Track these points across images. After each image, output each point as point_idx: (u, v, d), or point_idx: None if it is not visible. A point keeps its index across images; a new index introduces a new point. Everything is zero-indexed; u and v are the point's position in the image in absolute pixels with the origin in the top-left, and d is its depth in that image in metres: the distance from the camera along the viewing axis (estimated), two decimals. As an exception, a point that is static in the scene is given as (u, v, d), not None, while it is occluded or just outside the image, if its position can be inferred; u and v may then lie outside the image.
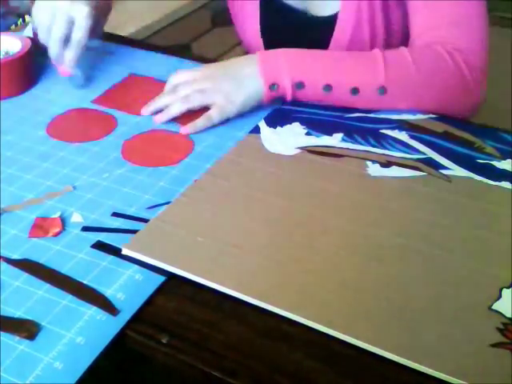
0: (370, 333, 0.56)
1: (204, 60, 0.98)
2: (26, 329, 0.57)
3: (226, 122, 0.85)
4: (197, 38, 2.46)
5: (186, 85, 0.85)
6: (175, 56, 1.01)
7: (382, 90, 0.81)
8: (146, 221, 0.68)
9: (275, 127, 0.83)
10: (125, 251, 0.64)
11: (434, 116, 0.85)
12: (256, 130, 0.82)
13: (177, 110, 0.84)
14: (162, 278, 0.62)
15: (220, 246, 0.65)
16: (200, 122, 0.83)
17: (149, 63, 1.00)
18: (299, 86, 0.83)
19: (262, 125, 0.83)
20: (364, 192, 0.72)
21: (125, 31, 1.90)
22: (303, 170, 0.76)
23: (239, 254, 0.64)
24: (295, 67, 0.83)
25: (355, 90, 0.82)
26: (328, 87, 0.82)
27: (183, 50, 2.19)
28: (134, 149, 0.81)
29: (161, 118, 0.84)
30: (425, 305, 0.59)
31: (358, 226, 0.67)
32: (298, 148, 0.79)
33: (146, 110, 0.86)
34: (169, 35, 2.40)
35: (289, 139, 0.81)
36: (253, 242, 0.65)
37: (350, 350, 0.56)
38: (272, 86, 0.82)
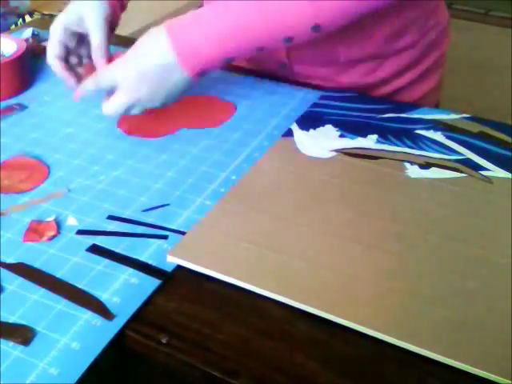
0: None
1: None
2: (21, 334, 0.56)
3: (220, 124, 0.85)
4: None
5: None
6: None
7: (316, 27, 0.74)
8: (141, 223, 0.68)
9: (308, 130, 0.82)
10: (169, 258, 0.63)
11: (467, 116, 0.85)
12: (289, 134, 0.82)
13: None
14: (157, 282, 0.61)
15: (266, 251, 0.64)
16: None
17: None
18: (229, 61, 0.76)
19: (295, 128, 0.83)
20: (405, 194, 0.72)
21: (125, 31, 1.90)
22: (341, 172, 0.75)
23: (286, 260, 0.63)
24: (219, 46, 0.74)
25: (288, 40, 0.75)
26: (260, 49, 0.76)
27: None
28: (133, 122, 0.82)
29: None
30: (468, 311, 0.58)
31: (400, 227, 0.67)
32: (334, 150, 0.79)
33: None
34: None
35: (323, 142, 0.80)
36: (297, 247, 0.64)
37: (350, 350, 0.56)
38: (200, 74, 0.76)
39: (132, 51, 0.76)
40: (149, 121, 0.85)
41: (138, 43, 0.76)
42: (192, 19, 0.75)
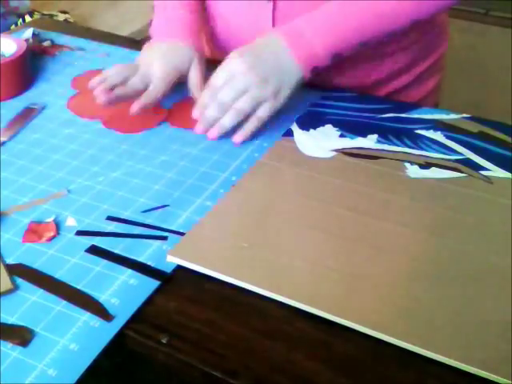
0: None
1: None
2: (20, 335, 0.56)
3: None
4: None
5: (226, 87, 0.78)
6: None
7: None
8: (141, 224, 0.68)
9: (308, 130, 0.82)
10: (169, 258, 0.63)
11: (467, 116, 0.85)
12: (289, 133, 0.82)
13: (230, 122, 0.79)
14: (156, 283, 0.61)
15: (265, 252, 0.64)
16: (251, 126, 0.80)
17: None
18: (337, 56, 0.82)
19: (295, 128, 0.83)
20: (405, 194, 0.72)
21: (125, 31, 1.90)
22: (341, 172, 0.75)
23: (286, 260, 0.63)
24: (330, 42, 0.80)
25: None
26: (362, 44, 0.83)
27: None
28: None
29: (214, 134, 0.80)
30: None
31: (400, 227, 0.67)
32: (334, 150, 0.79)
33: (200, 129, 0.80)
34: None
35: (323, 142, 0.80)
36: (297, 247, 0.65)
37: (350, 350, 0.56)
38: (313, 70, 0.81)
39: (248, 49, 0.80)
40: (149, 121, 0.85)
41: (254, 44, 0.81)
42: (307, 21, 0.80)
